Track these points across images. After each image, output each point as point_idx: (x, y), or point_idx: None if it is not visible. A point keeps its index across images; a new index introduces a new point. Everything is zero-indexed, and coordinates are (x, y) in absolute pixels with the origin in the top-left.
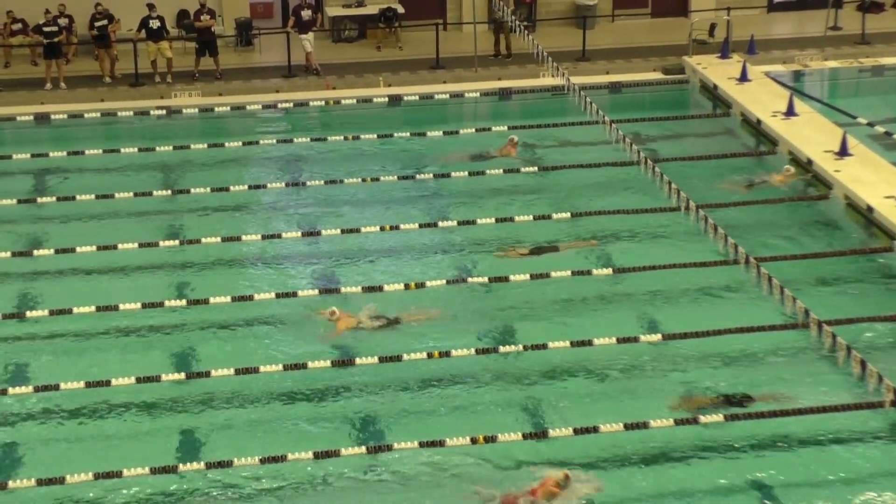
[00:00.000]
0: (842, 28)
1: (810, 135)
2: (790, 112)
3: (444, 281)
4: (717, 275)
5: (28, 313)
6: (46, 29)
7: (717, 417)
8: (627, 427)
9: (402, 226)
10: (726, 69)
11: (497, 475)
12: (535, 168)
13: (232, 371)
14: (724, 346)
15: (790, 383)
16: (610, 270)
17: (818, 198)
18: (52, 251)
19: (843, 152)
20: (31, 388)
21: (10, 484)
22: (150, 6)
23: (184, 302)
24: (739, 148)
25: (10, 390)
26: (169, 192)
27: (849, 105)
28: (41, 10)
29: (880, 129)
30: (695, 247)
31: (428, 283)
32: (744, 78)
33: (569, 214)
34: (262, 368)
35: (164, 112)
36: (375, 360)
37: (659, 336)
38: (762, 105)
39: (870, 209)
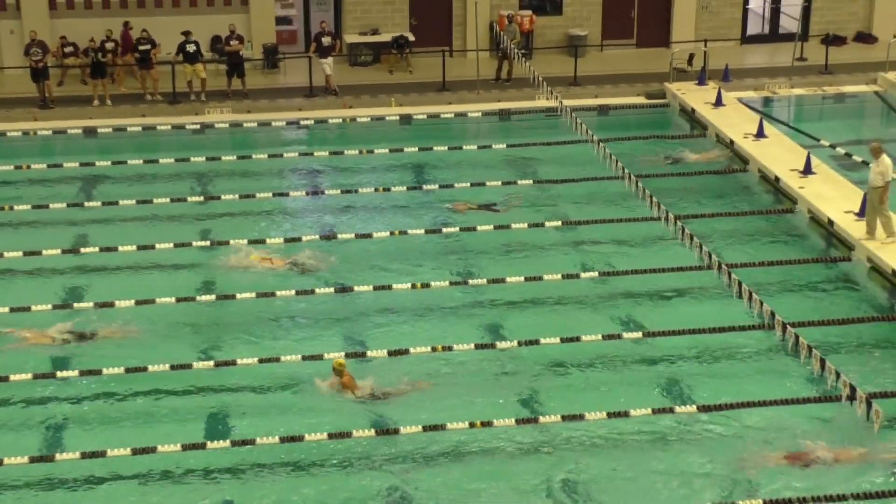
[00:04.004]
0: (807, 59)
1: (778, 154)
2: (760, 134)
3: (448, 282)
4: (691, 279)
5: (75, 305)
6: (94, 53)
7: (692, 409)
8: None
9: (409, 231)
10: (703, 95)
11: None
12: (531, 181)
13: (256, 360)
14: (697, 344)
15: (756, 378)
16: (596, 274)
17: (785, 211)
18: (97, 249)
19: (807, 171)
20: (76, 372)
21: (57, 456)
22: (187, 32)
23: (213, 297)
24: (713, 166)
25: (59, 373)
26: (202, 198)
27: (813, 128)
28: (90, 36)
29: (841, 150)
30: (672, 253)
31: (433, 284)
32: (719, 103)
33: (560, 223)
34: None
35: (198, 126)
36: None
37: (640, 334)
38: (735, 127)
39: (830, 223)
